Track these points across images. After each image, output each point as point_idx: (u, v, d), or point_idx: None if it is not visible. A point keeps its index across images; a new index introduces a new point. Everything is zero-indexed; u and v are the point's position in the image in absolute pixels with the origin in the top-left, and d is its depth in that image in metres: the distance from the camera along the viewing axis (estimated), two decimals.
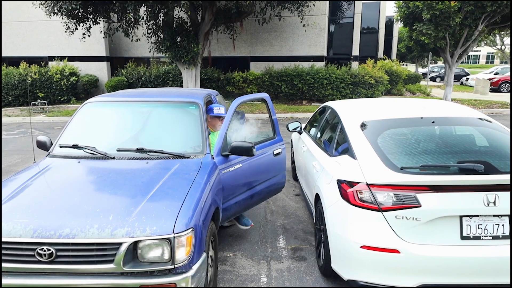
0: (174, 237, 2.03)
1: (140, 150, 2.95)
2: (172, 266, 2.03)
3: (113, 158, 2.91)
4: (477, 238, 2.26)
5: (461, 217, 2.27)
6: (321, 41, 15.02)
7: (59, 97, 14.74)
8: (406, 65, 45.97)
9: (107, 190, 2.46)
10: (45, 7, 11.21)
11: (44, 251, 1.98)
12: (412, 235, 2.28)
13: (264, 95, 3.78)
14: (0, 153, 6.36)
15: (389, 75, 16.17)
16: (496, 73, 20.84)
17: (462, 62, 57.99)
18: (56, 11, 11.15)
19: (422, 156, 2.53)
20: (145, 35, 12.84)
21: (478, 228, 2.27)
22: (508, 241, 2.25)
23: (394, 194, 2.33)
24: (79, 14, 11.66)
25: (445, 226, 2.27)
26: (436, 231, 2.28)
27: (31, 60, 15.93)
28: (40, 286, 1.98)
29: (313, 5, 12.84)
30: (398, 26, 27.34)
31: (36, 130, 10.75)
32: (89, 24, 12.25)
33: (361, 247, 2.35)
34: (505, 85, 19.19)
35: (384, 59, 18.26)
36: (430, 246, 2.26)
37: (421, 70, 32.60)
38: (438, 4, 12.64)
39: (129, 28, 12.44)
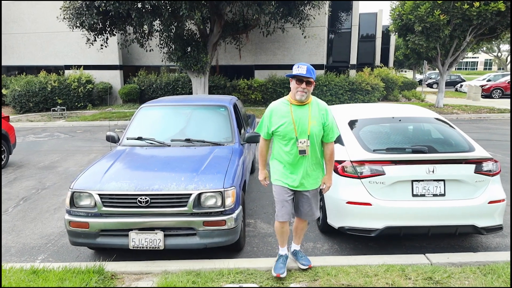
0: (224, 190, 3.21)
1: (188, 140, 4.15)
2: (223, 209, 3.21)
3: (169, 145, 4.11)
4: (423, 195, 3.44)
5: (412, 181, 3.44)
6: (320, 51, 16.30)
7: (76, 104, 15.97)
8: (406, 71, 47.21)
9: (173, 164, 3.64)
10: (69, 21, 12.47)
11: (143, 199, 3.16)
12: (380, 193, 3.46)
13: None
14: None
15: (385, 82, 17.42)
16: (489, 80, 22.12)
17: (460, 69, 59.44)
18: (78, 24, 12.42)
19: (389, 143, 3.72)
20: (158, 45, 14.11)
21: (423, 189, 3.44)
22: (443, 197, 3.42)
23: (368, 167, 3.50)
24: (98, 27, 12.95)
25: (401, 187, 3.45)
26: (396, 191, 3.45)
27: (48, 69, 17.21)
28: (138, 221, 3.16)
29: (313, 18, 14.12)
30: (394, 36, 28.71)
31: (62, 133, 11.95)
32: (107, 36, 13.53)
33: (347, 202, 3.52)
34: (496, 91, 20.44)
35: (381, 67, 19.52)
36: (392, 201, 3.44)
37: (419, 77, 33.93)
38: (428, 17, 13.92)
39: (143, 40, 13.71)
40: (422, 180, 3.44)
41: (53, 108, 14.95)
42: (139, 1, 11.45)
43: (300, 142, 2.88)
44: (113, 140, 4.44)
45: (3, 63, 18.33)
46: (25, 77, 16.41)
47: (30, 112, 15.79)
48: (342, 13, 18.15)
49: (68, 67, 17.29)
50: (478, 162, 3.45)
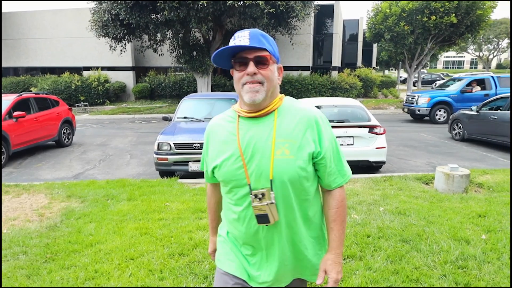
0: None
1: None
2: None
3: (203, 121, 7.38)
4: (342, 145, 6.73)
5: (336, 137, 6.73)
6: (307, 55, 19.65)
7: (95, 100, 19.13)
8: (395, 70, 50.72)
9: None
10: (96, 31, 15.64)
11: (196, 145, 6.42)
12: None
13: None
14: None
15: (364, 81, 20.81)
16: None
17: (447, 67, 63.36)
18: (103, 34, 15.61)
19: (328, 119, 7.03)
20: (168, 51, 17.33)
21: (342, 141, 6.73)
22: (352, 146, 6.71)
23: None
24: (119, 36, 16.13)
25: None
26: None
27: (68, 70, 20.33)
28: (193, 157, 6.42)
29: (300, 28, 17.45)
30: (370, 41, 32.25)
31: (93, 124, 15.14)
32: (125, 42, 16.71)
33: None
34: None
35: (361, 68, 22.93)
36: None
37: (404, 75, 37.53)
38: (395, 28, 17.35)
39: (156, 46, 16.92)
40: (341, 136, 6.74)
41: (77, 104, 18.12)
42: (154, 14, 14.66)
43: (256, 196, 1.38)
44: (167, 119, 7.70)
45: (27, 65, 21.43)
46: (49, 77, 19.52)
47: None
48: (326, 21, 21.52)
49: (87, 68, 20.44)
50: (371, 127, 6.76)
